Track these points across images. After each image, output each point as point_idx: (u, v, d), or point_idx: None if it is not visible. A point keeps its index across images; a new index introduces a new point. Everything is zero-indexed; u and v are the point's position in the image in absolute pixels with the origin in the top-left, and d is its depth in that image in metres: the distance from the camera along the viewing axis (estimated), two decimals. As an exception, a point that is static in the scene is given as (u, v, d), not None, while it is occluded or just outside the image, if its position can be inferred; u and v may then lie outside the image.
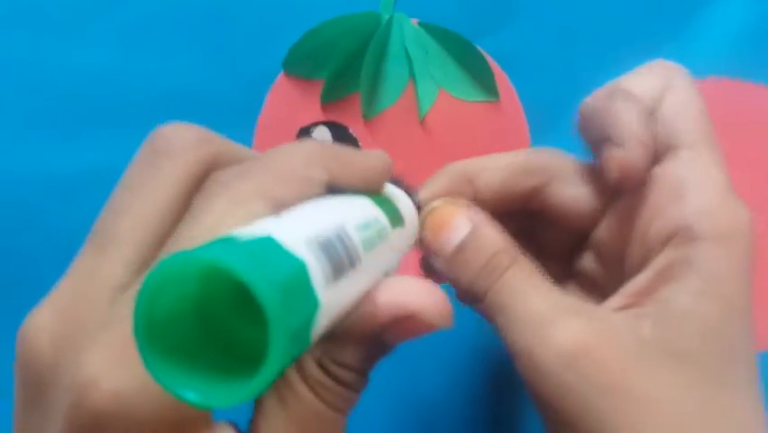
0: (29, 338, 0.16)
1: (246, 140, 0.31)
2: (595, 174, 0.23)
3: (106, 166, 0.31)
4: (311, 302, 0.14)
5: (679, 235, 0.19)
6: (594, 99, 0.22)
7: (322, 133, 0.31)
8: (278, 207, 0.16)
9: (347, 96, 0.31)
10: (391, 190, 0.21)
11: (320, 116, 0.31)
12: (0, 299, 0.31)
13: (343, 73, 0.30)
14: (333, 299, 0.15)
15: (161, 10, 0.31)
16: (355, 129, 0.31)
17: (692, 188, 0.20)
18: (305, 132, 0.31)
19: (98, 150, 0.31)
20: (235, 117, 0.31)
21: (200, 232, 0.15)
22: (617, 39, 0.31)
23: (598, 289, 0.23)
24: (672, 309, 0.19)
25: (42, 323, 0.16)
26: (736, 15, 0.31)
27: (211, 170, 0.18)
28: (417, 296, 0.17)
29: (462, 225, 0.22)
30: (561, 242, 0.24)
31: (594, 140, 0.22)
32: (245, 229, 0.14)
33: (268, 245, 0.13)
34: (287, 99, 0.31)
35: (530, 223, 0.24)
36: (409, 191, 0.23)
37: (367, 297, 0.17)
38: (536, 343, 0.19)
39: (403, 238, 0.21)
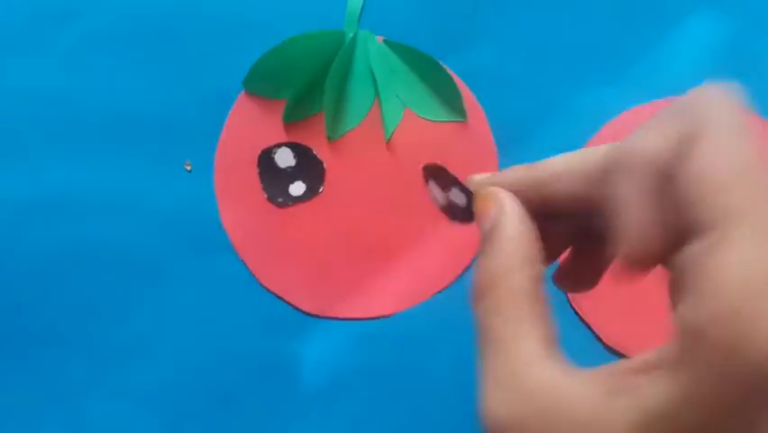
0: None
1: (206, 160, 0.30)
2: None
3: (58, 192, 0.30)
4: None
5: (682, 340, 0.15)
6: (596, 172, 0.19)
7: (285, 155, 0.30)
8: None
9: (311, 117, 0.30)
10: None
11: (283, 137, 0.30)
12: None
13: (307, 92, 0.29)
14: None
15: (114, 27, 0.30)
16: (319, 150, 0.30)
17: (707, 290, 0.15)
18: (266, 154, 0.30)
19: (48, 175, 0.30)
20: (195, 138, 0.30)
21: None
22: (583, 56, 0.30)
23: None
24: None
25: None
26: (703, 34, 0.30)
27: None
28: None
29: (489, 218, 0.19)
30: None
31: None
32: None
33: None
34: (248, 119, 0.30)
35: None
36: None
37: None
38: None
39: None
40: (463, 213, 0.23)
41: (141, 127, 0.30)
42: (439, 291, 0.29)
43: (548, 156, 0.29)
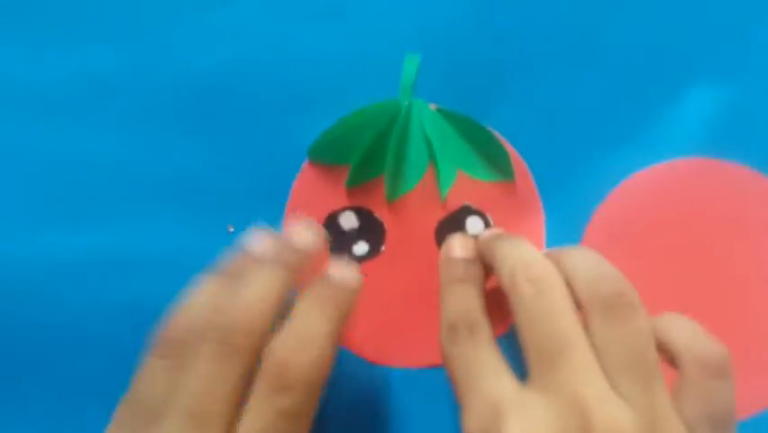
0: None
1: (274, 226, 0.32)
2: None
3: (111, 251, 0.32)
4: None
5: None
6: None
7: (349, 217, 0.32)
8: None
9: (371, 181, 0.32)
10: None
11: (345, 201, 0.32)
12: (10, 389, 0.32)
13: (367, 159, 0.32)
14: None
15: (169, 100, 0.32)
16: (380, 212, 0.32)
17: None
18: (332, 217, 0.32)
19: (103, 235, 0.32)
20: (262, 207, 0.32)
21: None
22: (598, 119, 0.33)
23: None
24: None
25: None
26: (711, 98, 0.33)
27: None
28: None
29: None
30: None
31: None
32: None
33: None
34: (313, 186, 0.32)
35: None
36: None
37: None
38: None
39: None
40: None
41: (202, 195, 0.32)
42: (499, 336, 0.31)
43: (570, 211, 0.32)
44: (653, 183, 0.33)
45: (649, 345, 0.24)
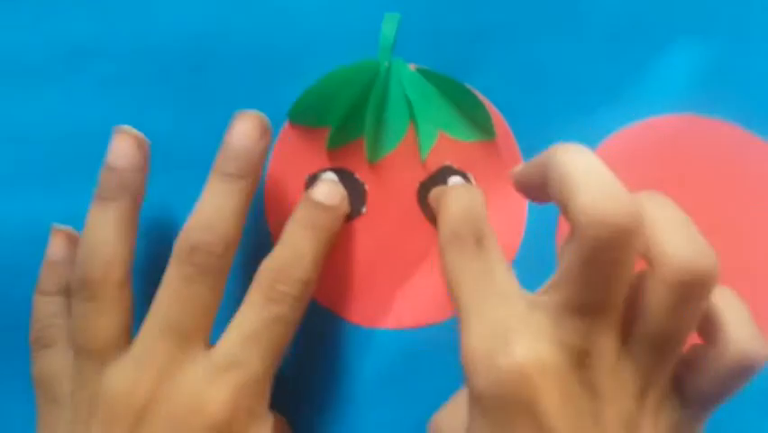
0: None
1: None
2: None
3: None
4: None
5: None
6: None
7: (329, 177, 0.32)
8: None
9: (352, 142, 0.32)
10: None
11: (326, 163, 0.32)
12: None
13: (347, 120, 0.32)
14: None
15: (157, 61, 0.32)
16: (361, 173, 0.32)
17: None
18: (313, 178, 0.32)
19: (81, 201, 0.32)
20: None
21: None
22: (579, 80, 0.32)
23: None
24: None
25: None
26: (693, 54, 0.32)
27: None
28: None
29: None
30: None
31: None
32: None
33: None
34: (294, 148, 0.32)
35: None
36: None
37: None
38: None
39: None
40: None
41: (183, 157, 0.32)
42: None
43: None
44: (636, 140, 0.32)
45: (691, 328, 0.23)
